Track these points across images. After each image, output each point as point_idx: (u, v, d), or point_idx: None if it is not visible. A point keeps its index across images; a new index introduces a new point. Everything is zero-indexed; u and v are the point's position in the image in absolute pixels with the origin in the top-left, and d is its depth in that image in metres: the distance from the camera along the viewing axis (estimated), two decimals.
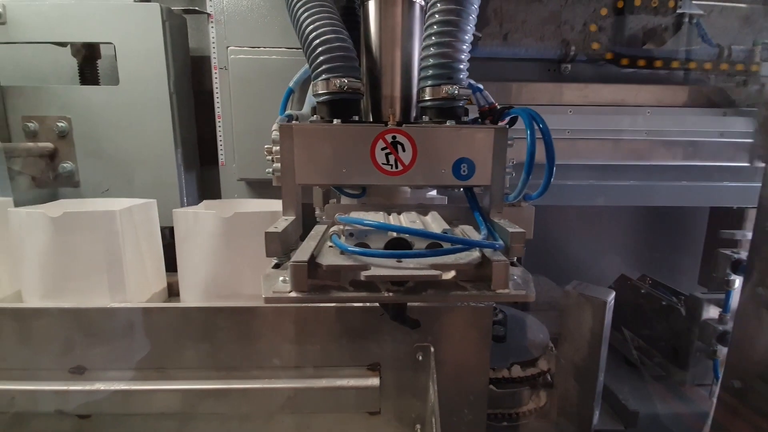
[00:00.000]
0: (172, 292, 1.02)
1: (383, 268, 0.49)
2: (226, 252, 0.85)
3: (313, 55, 0.72)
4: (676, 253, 1.79)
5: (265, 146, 1.06)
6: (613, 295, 0.99)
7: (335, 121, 0.69)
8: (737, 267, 1.06)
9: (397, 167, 0.68)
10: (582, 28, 1.23)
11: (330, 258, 0.52)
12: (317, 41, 0.72)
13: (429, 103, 0.72)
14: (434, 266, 0.50)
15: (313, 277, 0.51)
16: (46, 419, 0.86)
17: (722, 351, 1.10)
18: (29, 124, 1.25)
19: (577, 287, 1.04)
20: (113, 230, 0.84)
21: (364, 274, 0.47)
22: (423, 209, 0.72)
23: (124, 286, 0.87)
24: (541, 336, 1.18)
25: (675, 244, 1.80)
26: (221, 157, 1.37)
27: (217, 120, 1.34)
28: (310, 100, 1.15)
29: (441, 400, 0.80)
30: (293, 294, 0.49)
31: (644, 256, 1.79)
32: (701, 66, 1.28)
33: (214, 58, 1.30)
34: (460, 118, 0.72)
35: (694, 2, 1.22)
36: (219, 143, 1.36)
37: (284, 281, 0.53)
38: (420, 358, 0.85)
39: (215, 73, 1.32)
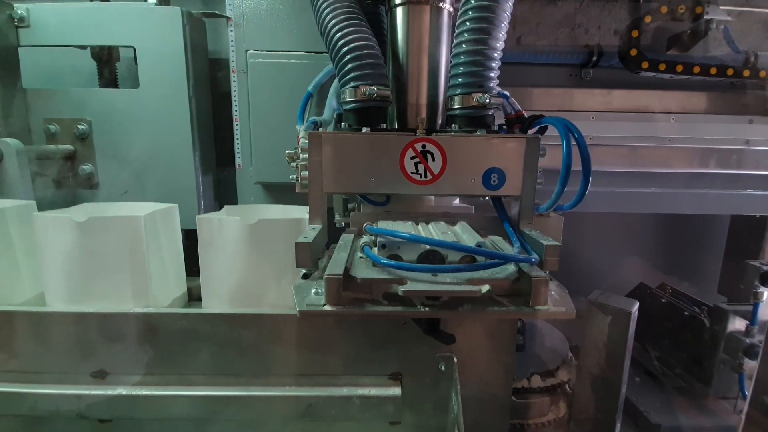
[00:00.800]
0: (192, 296, 1.02)
1: (420, 282, 0.48)
2: (249, 258, 0.84)
3: (342, 62, 0.72)
4: (695, 261, 1.76)
5: (287, 152, 1.06)
6: (637, 305, 0.97)
7: (364, 129, 0.68)
8: (766, 279, 1.04)
9: (426, 176, 0.67)
10: (609, 32, 1.21)
11: (364, 271, 0.51)
12: (345, 48, 0.71)
13: (458, 111, 0.71)
14: (471, 281, 0.49)
15: (347, 289, 0.50)
16: (67, 423, 0.86)
17: (749, 364, 1.07)
18: (50, 126, 1.26)
19: (600, 297, 1.02)
20: (137, 235, 0.84)
21: (401, 289, 0.46)
22: (450, 219, 0.71)
23: (147, 291, 0.87)
24: (561, 345, 1.16)
25: (694, 252, 1.77)
26: (238, 160, 1.37)
27: (234, 123, 1.34)
28: (330, 105, 1.14)
29: (463, 410, 0.79)
30: (328, 308, 0.49)
31: (662, 264, 1.77)
32: (724, 72, 1.25)
33: (233, 61, 1.30)
34: (490, 126, 0.71)
35: (720, 8, 1.20)
36: (236, 146, 1.36)
37: (317, 293, 0.52)
38: (443, 368, 0.84)
39: (233, 76, 1.32)
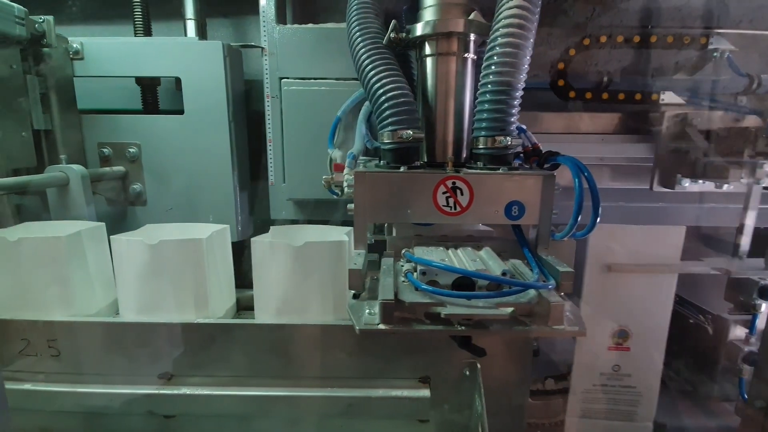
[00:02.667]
0: (240, 306, 1.14)
1: (458, 306, 0.59)
2: (295, 277, 0.96)
3: (381, 108, 0.82)
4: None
5: (324, 177, 1.17)
6: None
7: (402, 168, 0.79)
8: (764, 293, 1.12)
9: (455, 209, 0.77)
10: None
11: (410, 295, 0.62)
12: (384, 97, 0.82)
13: (482, 151, 0.82)
14: (499, 305, 0.59)
15: (396, 310, 0.61)
16: (137, 419, 0.99)
17: (748, 370, 1.16)
18: (104, 150, 1.39)
19: None
20: (199, 254, 0.96)
21: (444, 312, 0.57)
22: (476, 243, 0.81)
23: (207, 303, 0.99)
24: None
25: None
26: (271, 178, 1.48)
27: (267, 144, 1.46)
28: (360, 132, 1.25)
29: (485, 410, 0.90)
30: (382, 326, 0.60)
31: None
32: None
33: (267, 87, 1.42)
34: (511, 163, 0.81)
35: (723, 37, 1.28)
36: (269, 165, 1.47)
37: (371, 313, 0.63)
38: (467, 372, 0.95)
39: (267, 101, 1.43)
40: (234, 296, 1.13)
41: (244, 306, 1.17)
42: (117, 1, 1.60)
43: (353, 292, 0.71)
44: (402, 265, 0.76)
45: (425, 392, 0.95)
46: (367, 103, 1.31)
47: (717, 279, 1.73)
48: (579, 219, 0.72)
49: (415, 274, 0.67)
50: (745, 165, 1.16)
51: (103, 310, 1.04)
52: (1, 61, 1.13)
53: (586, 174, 0.73)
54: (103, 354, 0.96)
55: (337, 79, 1.38)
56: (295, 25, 1.38)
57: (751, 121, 1.29)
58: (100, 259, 1.05)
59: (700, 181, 1.27)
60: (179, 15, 1.47)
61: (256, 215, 1.63)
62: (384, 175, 0.77)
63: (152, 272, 0.95)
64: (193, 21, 1.47)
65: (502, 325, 0.60)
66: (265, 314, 1.00)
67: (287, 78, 1.38)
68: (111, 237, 0.97)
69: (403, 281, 0.68)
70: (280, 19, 1.39)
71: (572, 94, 1.23)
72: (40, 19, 1.14)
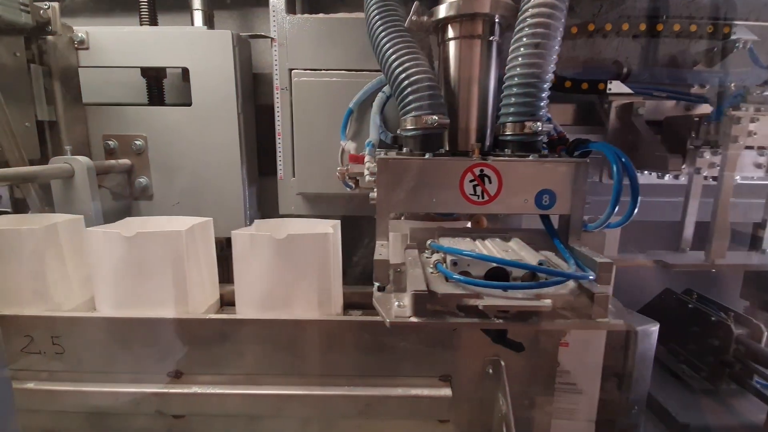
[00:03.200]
0: (224, 302, 1.11)
1: (496, 297, 0.55)
2: (278, 270, 0.92)
3: (403, 93, 0.79)
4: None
5: (338, 168, 1.14)
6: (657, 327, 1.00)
7: (427, 154, 0.75)
8: None
9: (483, 197, 0.74)
10: None
11: (441, 286, 0.58)
12: (407, 81, 0.78)
13: (510, 137, 0.78)
14: (539, 296, 0.56)
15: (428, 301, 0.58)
16: (144, 418, 0.95)
17: None
18: (109, 142, 1.35)
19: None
20: (179, 248, 0.92)
21: (482, 303, 0.53)
22: (503, 235, 0.78)
23: (187, 298, 0.94)
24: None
25: None
26: (279, 172, 1.45)
27: (277, 137, 1.42)
28: (375, 123, 1.21)
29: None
30: (414, 319, 0.56)
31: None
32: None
33: (276, 79, 1.38)
34: (540, 151, 0.77)
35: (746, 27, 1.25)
36: (278, 159, 1.43)
37: (400, 306, 0.59)
38: (490, 371, 0.91)
39: (276, 93, 1.39)
40: (218, 291, 1.09)
41: (231, 302, 1.11)
42: None
43: (377, 284, 0.67)
44: (427, 257, 0.73)
45: (446, 391, 0.91)
46: (380, 93, 1.27)
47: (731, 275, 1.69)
48: (616, 209, 0.68)
49: (444, 264, 0.63)
50: (688, 154, 1.12)
51: (80, 306, 0.99)
52: (4, 49, 1.09)
53: (624, 160, 0.69)
54: (109, 351, 0.92)
55: (348, 70, 1.34)
56: (306, 15, 1.34)
57: (704, 109, 1.25)
58: (78, 254, 1.00)
59: (645, 173, 1.24)
60: (186, 6, 1.44)
61: (264, 212, 1.59)
62: (408, 162, 0.73)
63: (129, 266, 0.91)
64: (200, 11, 1.44)
65: (542, 318, 0.56)
66: (246, 310, 0.96)
67: (297, 69, 1.34)
68: (86, 230, 0.93)
69: (432, 272, 0.64)
70: (290, 9, 1.35)
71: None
72: (45, 5, 1.11)
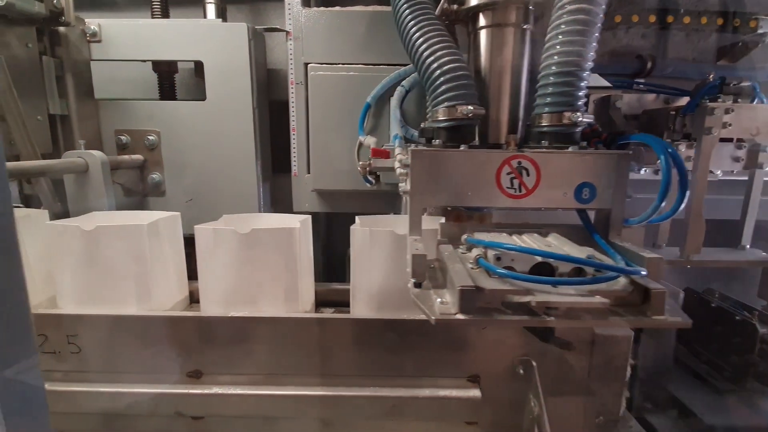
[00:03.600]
0: (194, 299, 1.07)
1: (547, 294, 0.52)
2: (242, 266, 0.89)
3: (435, 83, 0.76)
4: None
5: (360, 163, 1.11)
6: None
7: (462, 146, 0.72)
8: None
9: (520, 191, 0.71)
10: None
11: (487, 282, 0.56)
12: (439, 70, 0.75)
13: (546, 129, 0.75)
14: (592, 291, 0.53)
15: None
16: (161, 419, 0.92)
17: None
18: (121, 137, 1.32)
19: None
20: (141, 242, 0.89)
21: (534, 300, 0.50)
22: (540, 230, 0.75)
23: (150, 295, 0.92)
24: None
25: None
26: (294, 168, 1.42)
27: (291, 133, 1.40)
28: (397, 119, 1.19)
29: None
30: (460, 316, 0.53)
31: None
32: None
33: (291, 73, 1.35)
34: (578, 142, 0.75)
35: None
36: (293, 155, 1.41)
37: (443, 303, 0.56)
38: (520, 371, 0.88)
39: (291, 87, 1.37)
40: (186, 288, 1.06)
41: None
42: None
43: (413, 280, 0.64)
44: (462, 252, 0.70)
45: (475, 392, 0.88)
46: (400, 87, 1.24)
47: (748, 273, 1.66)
48: (663, 204, 0.66)
49: (486, 259, 0.60)
50: None
51: (43, 303, 0.96)
52: (17, 40, 1.06)
53: (671, 151, 0.66)
54: (124, 350, 0.90)
55: (366, 64, 1.32)
56: (322, 8, 1.32)
57: (683, 102, 1.22)
58: (39, 249, 0.95)
59: None
60: (198, 2, 1.41)
61: (278, 208, 1.57)
62: (444, 154, 0.71)
63: (89, 261, 0.88)
64: (213, 5, 1.41)
65: (595, 316, 0.53)
66: (210, 306, 0.93)
67: (313, 63, 1.32)
68: (45, 223, 0.90)
69: (473, 268, 0.61)
70: (304, 2, 1.33)
71: None
72: None
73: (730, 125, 0.89)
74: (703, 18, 1.20)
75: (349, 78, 1.32)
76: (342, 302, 1.05)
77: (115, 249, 0.89)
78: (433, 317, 0.53)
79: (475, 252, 0.63)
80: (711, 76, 0.98)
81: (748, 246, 1.19)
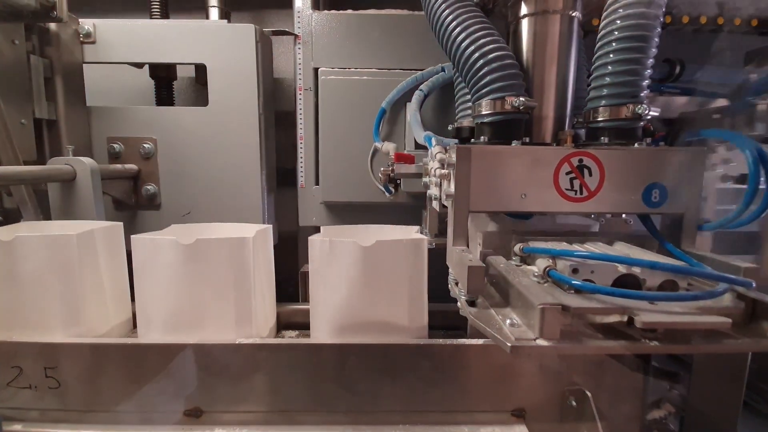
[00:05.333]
0: None
1: (649, 312, 0.42)
2: (186, 281, 0.77)
3: (479, 74, 0.67)
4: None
5: (381, 169, 1.01)
6: None
7: (513, 142, 0.63)
8: None
9: (582, 193, 0.62)
10: None
11: (570, 299, 0.45)
12: (483, 59, 0.67)
13: (603, 124, 0.66)
14: (700, 309, 0.43)
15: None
16: None
17: None
18: (114, 145, 1.22)
19: None
20: (69, 256, 0.77)
21: (641, 320, 0.40)
22: (604, 239, 0.65)
23: (79, 318, 0.79)
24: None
25: None
26: (301, 179, 1.32)
27: (298, 142, 1.30)
28: (418, 123, 1.10)
29: None
30: (541, 342, 0.42)
31: None
32: None
33: (299, 79, 1.28)
34: (640, 139, 0.66)
35: None
36: (299, 165, 1.31)
37: (513, 325, 0.45)
38: (573, 403, 0.76)
39: (299, 94, 1.29)
40: (129, 310, 0.93)
41: None
42: None
43: (465, 297, 0.53)
44: (516, 264, 0.60)
45: (521, 428, 0.76)
46: (418, 91, 1.17)
47: None
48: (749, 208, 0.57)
49: (565, 273, 0.50)
50: None
51: None
52: (1, 34, 0.96)
53: (751, 145, 0.58)
54: (112, 384, 0.76)
55: (379, 68, 1.24)
56: (333, 12, 1.25)
57: (720, 104, 1.16)
58: None
59: None
60: (200, 6, 1.33)
61: (282, 221, 1.45)
62: (495, 151, 0.61)
63: (8, 277, 0.77)
64: (216, 8, 1.33)
65: (707, 339, 0.43)
66: (148, 330, 0.81)
67: (324, 68, 1.24)
68: None
69: (540, 282, 0.51)
70: (314, 5, 1.26)
71: None
72: None
73: None
74: (736, 20, 1.15)
75: (363, 83, 1.24)
76: (305, 324, 0.91)
77: (39, 263, 0.76)
78: (508, 344, 0.42)
79: (542, 263, 0.52)
80: (753, 76, 0.92)
81: None
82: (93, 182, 1.00)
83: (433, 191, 0.71)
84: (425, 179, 0.78)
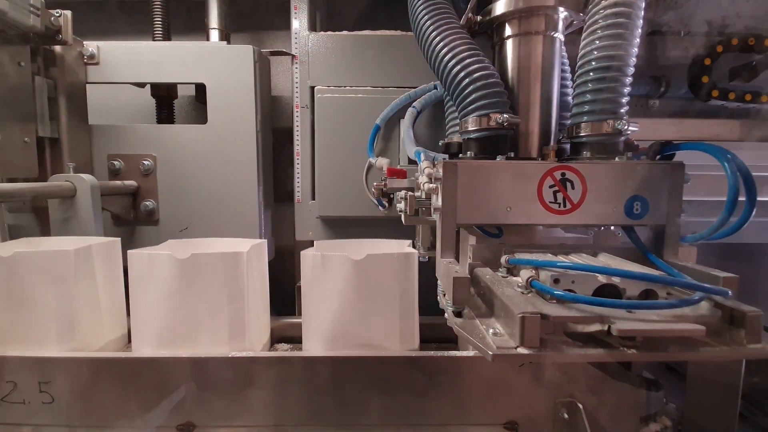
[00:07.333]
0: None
1: (627, 320, 0.43)
2: (181, 296, 0.79)
3: (464, 92, 0.70)
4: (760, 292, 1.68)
5: (375, 184, 1.03)
6: None
7: (498, 157, 0.65)
8: None
9: (565, 206, 0.63)
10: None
11: (549, 308, 0.47)
12: (468, 78, 0.70)
13: (585, 139, 0.69)
14: (677, 317, 0.44)
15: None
16: None
17: None
18: (114, 162, 1.24)
19: None
20: (66, 271, 0.78)
21: (617, 328, 0.41)
22: (588, 250, 0.67)
23: (73, 332, 0.80)
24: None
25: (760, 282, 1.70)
26: (297, 195, 1.35)
27: (295, 157, 1.33)
28: (411, 139, 1.13)
29: None
30: (522, 350, 0.43)
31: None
32: None
33: (297, 96, 1.31)
34: (621, 153, 0.68)
35: None
36: (296, 180, 1.33)
37: (497, 334, 0.47)
38: (565, 415, 0.76)
39: (297, 111, 1.32)
40: (125, 326, 0.94)
41: None
42: (135, 9, 1.53)
43: (451, 308, 0.55)
44: (502, 275, 0.61)
45: None
46: (411, 108, 1.20)
47: None
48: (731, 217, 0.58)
49: (546, 283, 0.51)
50: None
51: None
52: (8, 57, 1.00)
53: (730, 156, 0.60)
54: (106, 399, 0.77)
55: (374, 86, 1.28)
56: (329, 32, 1.29)
57: None
58: None
59: None
60: (201, 28, 1.38)
61: (279, 236, 1.47)
62: (480, 165, 0.63)
63: (10, 291, 0.78)
64: (217, 30, 1.38)
65: (684, 347, 0.44)
66: (142, 345, 0.82)
67: (320, 86, 1.27)
68: None
69: (523, 292, 0.52)
70: (310, 27, 1.31)
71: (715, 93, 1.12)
72: (57, 12, 1.03)
73: None
74: (734, 39, 1.19)
75: (357, 100, 1.27)
76: (297, 338, 0.92)
77: (36, 278, 0.78)
78: (490, 352, 0.43)
79: (525, 274, 0.54)
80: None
81: None
82: (92, 198, 1.02)
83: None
84: (417, 193, 0.80)
